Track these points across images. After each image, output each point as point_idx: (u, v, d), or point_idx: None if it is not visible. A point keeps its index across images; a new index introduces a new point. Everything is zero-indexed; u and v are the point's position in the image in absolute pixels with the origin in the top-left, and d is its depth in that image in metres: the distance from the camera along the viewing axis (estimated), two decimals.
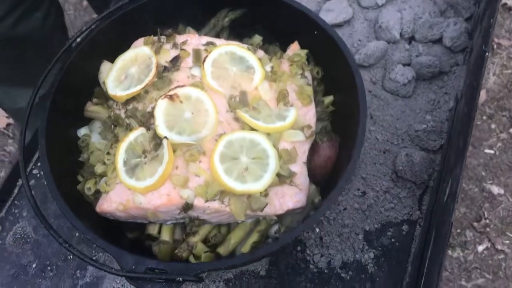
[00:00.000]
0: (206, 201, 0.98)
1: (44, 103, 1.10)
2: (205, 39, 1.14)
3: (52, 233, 0.94)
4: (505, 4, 3.39)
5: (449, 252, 2.53)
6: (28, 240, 1.28)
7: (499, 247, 2.67)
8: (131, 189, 0.99)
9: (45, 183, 1.00)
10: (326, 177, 1.16)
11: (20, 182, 1.35)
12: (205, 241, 1.06)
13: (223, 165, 0.99)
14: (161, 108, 1.02)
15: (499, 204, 2.77)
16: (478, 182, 2.83)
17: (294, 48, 1.20)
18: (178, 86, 1.04)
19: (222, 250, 1.03)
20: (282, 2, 1.17)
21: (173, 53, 1.11)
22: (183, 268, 0.91)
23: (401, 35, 1.42)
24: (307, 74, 1.17)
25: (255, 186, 0.99)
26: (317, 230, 1.24)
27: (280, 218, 1.06)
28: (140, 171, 0.99)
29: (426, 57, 1.35)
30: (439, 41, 1.41)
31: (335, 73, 1.17)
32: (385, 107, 1.36)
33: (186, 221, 1.05)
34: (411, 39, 1.43)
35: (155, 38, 1.15)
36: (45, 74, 1.11)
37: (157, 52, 1.11)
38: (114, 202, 1.01)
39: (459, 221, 2.66)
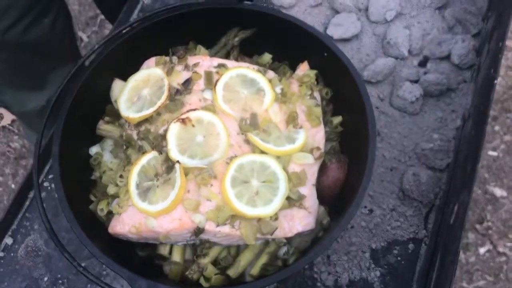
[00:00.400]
0: (217, 225, 0.99)
1: (57, 123, 1.11)
2: (217, 61, 1.15)
3: (67, 256, 0.96)
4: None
5: None
6: (40, 253, 1.30)
7: (501, 249, 2.70)
8: (143, 212, 1.01)
9: (60, 207, 1.01)
10: (335, 198, 1.17)
11: (31, 194, 1.36)
12: (214, 263, 1.07)
13: (234, 189, 1.00)
14: (174, 132, 1.04)
15: (502, 206, 2.79)
16: (481, 184, 2.84)
17: (304, 68, 1.21)
18: (190, 110, 1.06)
19: (232, 272, 1.05)
20: (292, 23, 1.18)
21: (185, 75, 1.12)
22: None
23: (409, 51, 1.43)
24: (316, 94, 1.18)
25: (265, 211, 1.01)
26: None
27: (289, 239, 1.08)
28: (152, 195, 1.01)
29: (434, 75, 1.36)
30: (447, 58, 1.42)
31: (343, 94, 1.18)
32: (392, 124, 1.37)
33: (197, 243, 1.07)
34: (421, 63, 1.43)
35: (167, 58, 1.16)
36: (57, 94, 1.12)
37: (169, 73, 1.12)
38: (127, 224, 1.03)
39: None
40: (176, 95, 1.09)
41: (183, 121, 1.04)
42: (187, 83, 1.10)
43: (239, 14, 1.20)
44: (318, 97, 1.19)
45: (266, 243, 1.09)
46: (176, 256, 1.08)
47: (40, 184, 1.38)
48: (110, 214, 1.09)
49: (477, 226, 2.82)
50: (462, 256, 2.69)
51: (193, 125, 1.04)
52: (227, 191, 1.00)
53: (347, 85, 1.14)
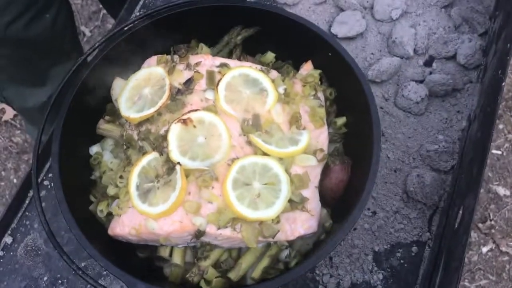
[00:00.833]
0: (219, 228, 0.98)
1: (56, 122, 1.09)
2: (219, 60, 1.13)
3: (65, 259, 0.95)
4: None
5: None
6: (40, 252, 1.29)
7: (503, 249, 2.68)
8: (143, 214, 1.00)
9: (59, 208, 1.00)
10: (337, 200, 1.16)
11: (31, 193, 1.35)
12: (215, 265, 1.06)
13: (236, 191, 0.99)
14: (175, 133, 1.02)
15: (505, 205, 2.77)
16: (485, 183, 2.82)
17: (308, 68, 1.19)
18: (192, 110, 1.04)
19: (233, 275, 1.04)
20: (296, 22, 1.15)
21: (187, 74, 1.10)
22: None
23: (415, 51, 1.41)
24: (320, 95, 1.16)
25: (267, 213, 0.99)
26: None
27: (290, 242, 1.07)
28: (153, 196, 0.99)
29: (440, 75, 1.34)
30: (453, 57, 1.40)
31: (348, 94, 1.17)
32: (397, 125, 1.35)
33: (198, 245, 1.06)
34: (427, 62, 1.41)
35: (168, 57, 1.14)
36: (57, 92, 1.10)
37: (170, 72, 1.10)
38: (126, 226, 1.01)
39: None
40: (178, 95, 1.07)
41: (184, 121, 1.02)
42: (189, 82, 1.08)
43: (242, 12, 1.18)
44: (322, 98, 1.17)
45: (268, 246, 1.07)
46: (177, 259, 1.07)
47: (40, 182, 1.37)
48: (110, 215, 1.07)
49: (480, 225, 2.80)
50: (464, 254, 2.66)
51: (194, 126, 1.03)
52: (228, 193, 0.98)
53: (351, 85, 1.12)
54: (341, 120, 1.19)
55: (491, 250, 2.75)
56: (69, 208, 1.00)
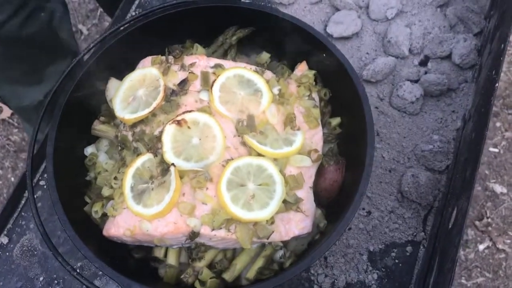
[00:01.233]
0: (213, 229, 0.98)
1: (51, 123, 1.09)
2: (213, 61, 1.13)
3: (60, 260, 0.95)
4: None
5: None
6: (35, 252, 1.29)
7: (500, 246, 2.69)
8: (138, 215, 1.00)
9: (54, 209, 1.00)
10: (332, 200, 1.16)
11: (26, 193, 1.35)
12: (210, 266, 1.06)
13: (230, 192, 0.99)
14: (169, 134, 1.02)
15: (502, 203, 2.78)
16: (482, 180, 2.83)
17: (302, 68, 1.19)
18: (186, 111, 1.04)
19: (228, 276, 1.04)
20: (291, 22, 1.15)
21: (181, 75, 1.11)
22: None
23: (410, 51, 1.41)
24: (315, 95, 1.17)
25: (261, 214, 0.99)
26: None
27: (285, 243, 1.07)
28: (147, 198, 1.00)
29: (435, 75, 1.34)
30: (448, 57, 1.40)
31: (342, 95, 1.17)
32: (391, 124, 1.35)
33: (192, 246, 1.06)
34: (422, 62, 1.41)
35: (163, 58, 1.14)
36: (51, 93, 1.10)
37: (165, 73, 1.11)
38: (121, 227, 1.01)
39: None
40: (172, 96, 1.07)
41: (179, 122, 1.02)
42: (183, 83, 1.08)
43: (237, 12, 1.18)
44: (317, 98, 1.17)
45: (262, 246, 1.08)
46: (171, 259, 1.07)
47: (36, 183, 1.37)
48: (104, 216, 1.07)
49: (477, 222, 2.81)
50: (461, 252, 2.68)
51: (188, 127, 1.03)
52: (222, 194, 0.98)
53: (345, 86, 1.12)
54: (335, 121, 1.19)
55: (487, 247, 2.76)
56: (64, 209, 1.00)
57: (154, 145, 1.04)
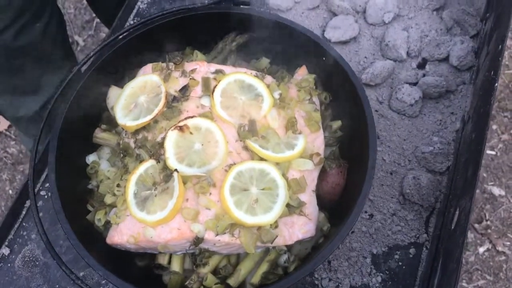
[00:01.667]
0: (217, 234, 0.98)
1: (52, 132, 1.09)
2: (214, 66, 1.13)
3: (64, 269, 0.95)
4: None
5: None
6: (37, 263, 1.28)
7: (500, 248, 2.69)
8: (141, 222, 1.00)
9: (57, 218, 1.00)
10: (335, 203, 1.16)
11: (28, 203, 1.35)
12: (214, 272, 1.06)
13: (233, 197, 0.99)
14: (171, 140, 1.02)
15: (500, 205, 2.79)
16: (480, 183, 2.84)
17: (302, 72, 1.20)
18: (188, 117, 1.04)
19: (232, 281, 1.04)
20: (290, 27, 1.16)
21: (182, 81, 1.11)
22: None
23: (408, 54, 1.42)
24: (315, 99, 1.17)
25: (265, 219, 0.99)
26: None
27: (289, 247, 1.07)
28: (150, 204, 0.99)
29: (433, 77, 1.35)
30: (445, 59, 1.41)
31: (342, 98, 1.17)
32: (391, 127, 1.36)
33: (196, 252, 1.06)
34: (420, 65, 1.42)
35: (164, 65, 1.15)
36: (52, 103, 1.10)
37: (165, 79, 1.11)
38: (124, 234, 1.01)
39: None
40: (174, 102, 1.07)
41: (181, 128, 1.02)
42: (184, 89, 1.08)
43: (235, 18, 1.19)
44: (317, 102, 1.17)
45: (266, 251, 1.08)
46: (175, 266, 1.07)
47: (37, 193, 1.36)
48: (108, 223, 1.07)
49: (476, 225, 2.81)
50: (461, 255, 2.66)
51: (191, 133, 1.03)
52: (226, 199, 0.98)
53: (346, 89, 1.12)
54: (336, 124, 1.19)
55: (487, 250, 2.76)
56: (67, 218, 1.00)
57: (156, 151, 1.04)
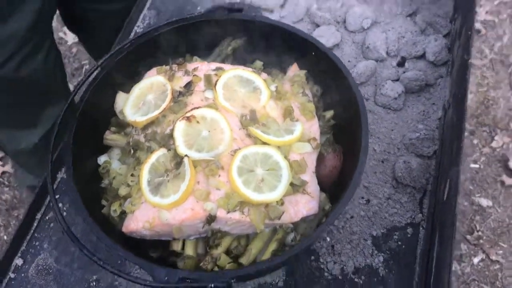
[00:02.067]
0: (228, 212, 1.05)
1: (66, 138, 1.17)
2: (214, 65, 1.23)
3: (86, 252, 1.00)
4: (475, 27, 3.58)
5: None
6: (51, 271, 1.32)
7: (493, 257, 2.75)
8: (156, 206, 1.06)
9: (78, 214, 1.06)
10: (333, 186, 1.24)
11: (38, 215, 1.40)
12: (227, 253, 1.12)
13: (241, 177, 1.06)
14: (180, 129, 1.10)
15: (489, 216, 2.87)
16: (467, 196, 2.93)
17: (294, 69, 1.30)
18: (194, 108, 1.13)
19: (244, 260, 1.09)
20: (280, 27, 1.28)
21: (186, 79, 1.20)
22: (213, 276, 0.97)
23: (387, 53, 1.55)
24: (308, 92, 1.27)
25: (271, 196, 1.06)
26: (328, 239, 1.31)
27: (295, 225, 1.14)
28: (164, 189, 1.06)
29: (413, 72, 1.47)
30: (422, 56, 1.54)
31: (333, 89, 1.27)
32: (379, 121, 1.46)
33: (209, 234, 1.12)
34: (400, 63, 1.54)
35: (167, 67, 1.24)
36: (64, 110, 1.18)
37: (170, 79, 1.20)
38: (140, 221, 1.07)
39: None
40: (179, 97, 1.16)
41: (188, 118, 1.11)
42: (189, 85, 1.17)
43: (230, 24, 1.30)
44: (310, 94, 1.27)
45: (274, 230, 1.14)
46: (189, 250, 1.12)
47: (47, 205, 1.41)
48: (123, 214, 1.13)
49: (468, 236, 2.88)
50: (457, 267, 2.73)
51: (197, 122, 1.11)
52: (234, 179, 1.06)
53: (336, 79, 1.23)
54: (329, 113, 1.29)
55: (482, 260, 2.81)
56: (90, 214, 1.06)
57: (166, 142, 1.12)
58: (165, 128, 1.14)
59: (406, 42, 1.55)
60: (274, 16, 1.66)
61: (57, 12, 1.97)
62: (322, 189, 1.20)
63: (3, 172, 2.99)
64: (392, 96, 1.44)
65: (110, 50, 1.69)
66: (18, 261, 1.33)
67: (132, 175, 1.11)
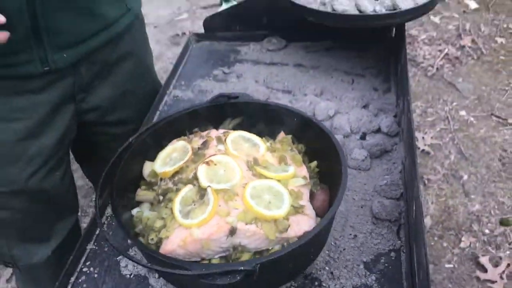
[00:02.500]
0: (246, 224, 1.32)
1: (110, 193, 1.46)
2: (222, 130, 1.61)
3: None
4: (423, 150, 4.14)
5: None
6: None
7: None
8: (188, 227, 1.32)
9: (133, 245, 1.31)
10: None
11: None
12: None
13: (253, 200, 1.36)
14: (202, 171, 1.42)
15: None
16: None
17: (281, 135, 1.69)
18: (211, 155, 1.47)
19: None
20: (271, 105, 1.69)
21: (201, 141, 1.56)
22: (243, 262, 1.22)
23: (351, 130, 1.96)
24: (294, 149, 1.63)
25: (278, 212, 1.36)
26: (327, 268, 1.55)
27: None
28: (193, 213, 1.34)
29: (373, 140, 1.88)
30: (378, 130, 1.96)
31: (316, 145, 1.64)
32: (353, 179, 1.81)
33: (230, 251, 1.36)
34: (362, 137, 1.96)
35: (185, 137, 1.60)
36: (101, 182, 1.48)
37: (189, 142, 1.56)
38: (175, 241, 1.32)
39: None
40: (199, 151, 1.50)
41: (207, 163, 1.44)
42: (205, 143, 1.53)
43: (230, 107, 1.71)
44: (296, 150, 1.64)
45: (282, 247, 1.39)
46: None
47: (80, 270, 1.61)
48: (159, 243, 1.37)
49: None
50: None
51: (215, 164, 1.44)
52: (248, 201, 1.35)
53: (318, 136, 1.60)
54: (313, 164, 1.64)
55: None
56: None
57: (191, 183, 1.42)
58: (189, 174, 1.46)
59: (364, 122, 1.98)
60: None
61: None
62: (317, 216, 1.49)
63: None
64: (360, 159, 1.82)
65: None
66: None
67: (166, 207, 1.38)
